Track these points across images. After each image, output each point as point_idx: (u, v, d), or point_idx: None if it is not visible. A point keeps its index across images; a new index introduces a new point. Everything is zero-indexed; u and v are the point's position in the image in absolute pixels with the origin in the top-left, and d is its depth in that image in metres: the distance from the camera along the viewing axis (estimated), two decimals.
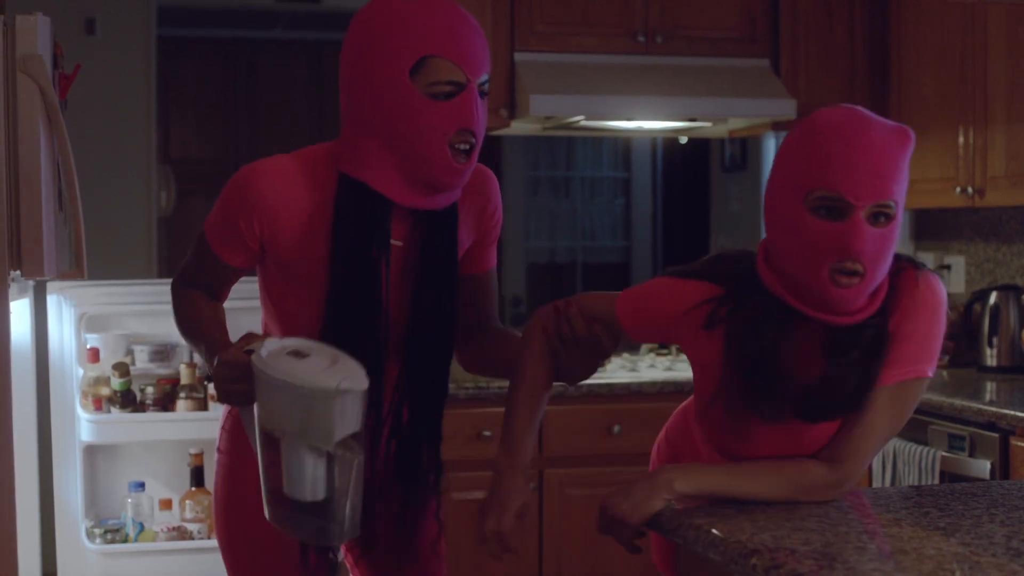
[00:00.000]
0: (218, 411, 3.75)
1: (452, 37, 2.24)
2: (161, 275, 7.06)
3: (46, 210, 2.84)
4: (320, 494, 2.12)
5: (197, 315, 2.50)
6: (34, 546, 3.78)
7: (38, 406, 3.80)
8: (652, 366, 4.69)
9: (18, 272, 2.87)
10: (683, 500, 2.17)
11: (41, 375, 3.81)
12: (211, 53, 8.21)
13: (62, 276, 3.08)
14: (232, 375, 2.17)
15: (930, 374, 2.16)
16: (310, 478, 2.11)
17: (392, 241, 2.36)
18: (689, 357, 2.30)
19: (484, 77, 2.28)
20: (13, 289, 2.88)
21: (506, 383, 2.45)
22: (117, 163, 6.69)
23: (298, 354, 2.13)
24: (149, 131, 6.85)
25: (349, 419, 2.09)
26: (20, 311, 3.49)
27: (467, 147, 2.27)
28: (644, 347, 4.84)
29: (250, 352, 2.16)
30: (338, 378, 2.07)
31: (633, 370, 4.64)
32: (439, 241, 2.39)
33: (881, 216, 2.04)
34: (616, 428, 4.30)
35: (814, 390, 2.11)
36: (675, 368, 4.66)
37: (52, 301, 3.80)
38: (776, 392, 2.12)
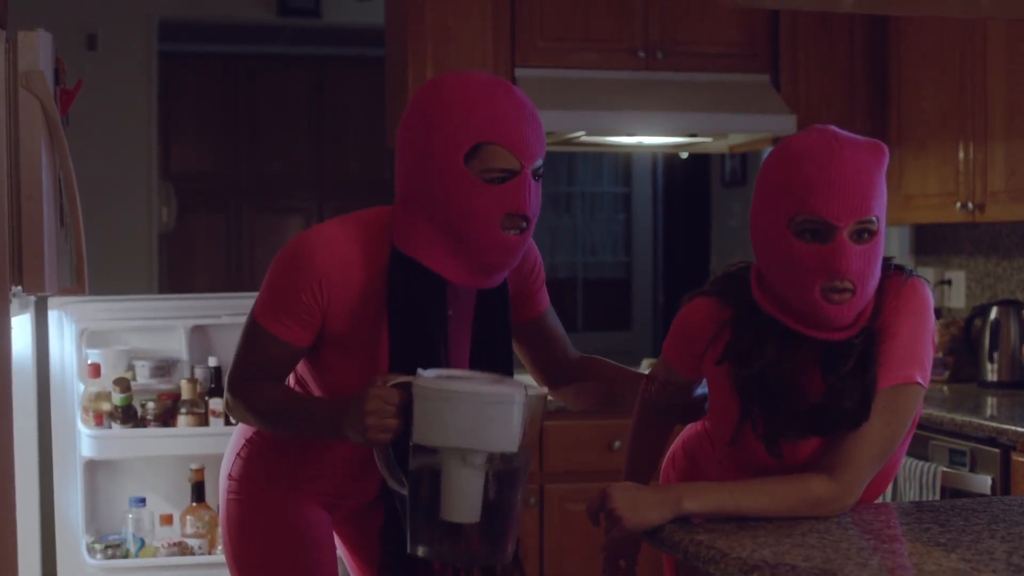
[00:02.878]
0: (219, 427, 3.75)
1: (508, 125, 2.27)
2: (162, 290, 7.06)
3: (47, 226, 2.84)
4: (477, 515, 2.16)
5: (280, 397, 2.42)
6: (35, 562, 3.77)
7: (39, 421, 3.80)
8: None
9: (19, 288, 2.87)
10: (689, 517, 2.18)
11: (42, 390, 3.81)
12: (212, 68, 8.22)
13: (63, 292, 3.08)
14: (387, 411, 2.18)
15: (919, 380, 2.17)
16: (473, 497, 2.15)
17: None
18: (707, 379, 2.36)
19: (539, 163, 2.32)
20: (14, 304, 2.88)
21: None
22: (118, 178, 6.70)
23: (455, 378, 2.18)
24: (150, 146, 6.86)
25: (519, 428, 2.15)
26: (21, 326, 3.49)
27: (518, 230, 2.32)
28: (644, 362, 4.84)
29: (398, 386, 2.17)
30: (513, 387, 2.15)
31: None
32: (493, 314, 2.46)
33: (864, 233, 2.12)
34: (617, 444, 4.30)
35: (820, 406, 2.16)
36: None
37: (53, 316, 3.80)
38: (787, 412, 2.17)
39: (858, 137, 2.16)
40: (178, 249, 8.07)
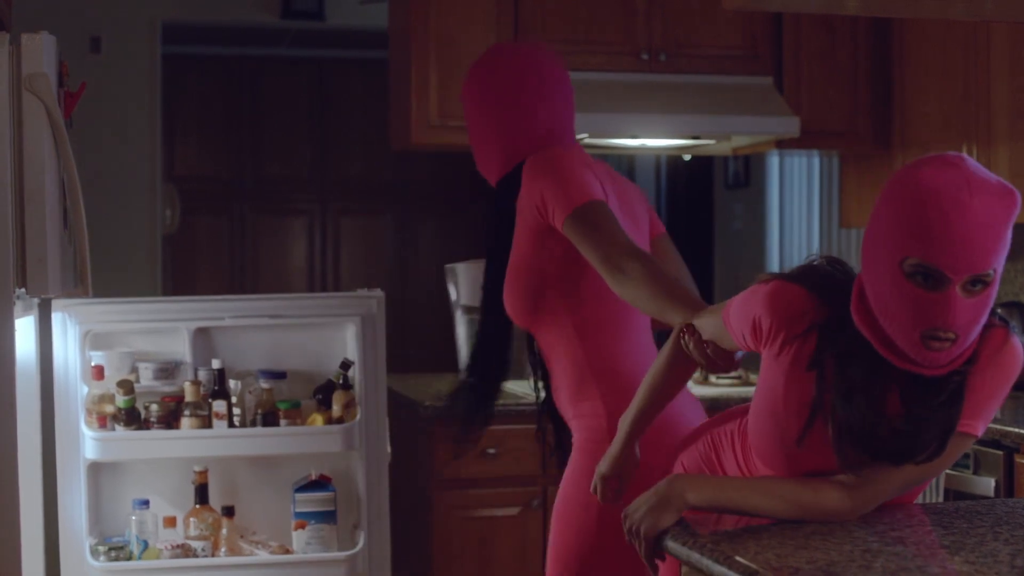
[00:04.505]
0: (222, 429, 3.75)
1: None
2: (165, 292, 7.07)
3: (51, 228, 2.85)
4: None
5: None
6: (38, 564, 3.77)
7: (42, 423, 3.80)
8: None
9: (23, 290, 2.87)
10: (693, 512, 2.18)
11: (46, 393, 3.81)
12: (215, 71, 8.23)
13: (67, 294, 3.08)
14: None
15: (979, 434, 2.14)
16: None
17: None
18: (764, 371, 2.27)
19: None
20: (18, 307, 2.88)
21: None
22: (122, 181, 6.71)
23: None
24: (154, 149, 6.87)
25: None
26: (25, 329, 3.49)
27: None
28: None
29: None
30: None
31: None
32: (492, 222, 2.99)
33: (979, 284, 2.01)
34: None
35: (899, 433, 2.10)
36: None
37: (57, 319, 3.79)
38: (865, 432, 2.11)
39: (992, 179, 2.00)
40: (181, 251, 8.08)
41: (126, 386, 3.77)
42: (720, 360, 2.42)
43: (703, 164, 6.95)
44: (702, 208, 7.16)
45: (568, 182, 2.74)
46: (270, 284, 8.09)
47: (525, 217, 2.83)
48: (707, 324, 2.41)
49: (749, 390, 4.36)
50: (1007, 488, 3.57)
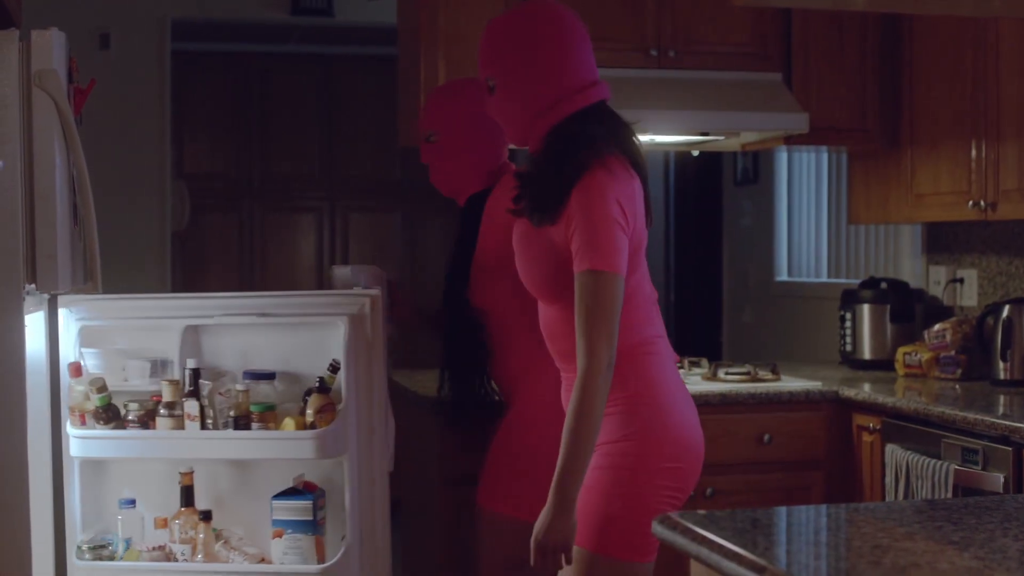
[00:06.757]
0: (194, 431, 3.62)
1: None
2: (175, 289, 7.08)
3: (61, 224, 2.85)
4: None
5: None
6: (48, 562, 3.77)
7: (51, 420, 3.78)
8: None
9: (32, 286, 2.88)
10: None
11: (55, 389, 3.79)
12: (225, 67, 8.24)
13: (76, 290, 3.08)
14: None
15: (599, 266, 2.79)
16: None
17: None
18: None
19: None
20: (28, 303, 2.89)
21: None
22: (132, 177, 6.73)
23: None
24: (163, 145, 6.88)
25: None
26: (35, 324, 3.49)
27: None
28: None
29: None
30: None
31: None
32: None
33: (491, 87, 3.01)
34: None
35: (528, 176, 2.99)
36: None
37: (61, 315, 3.77)
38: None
39: (515, 13, 2.98)
40: (191, 249, 8.09)
41: (98, 384, 3.64)
42: None
43: (712, 160, 6.95)
44: (711, 204, 7.16)
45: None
46: (279, 281, 8.10)
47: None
48: None
49: (757, 386, 4.37)
50: (1016, 484, 3.57)
